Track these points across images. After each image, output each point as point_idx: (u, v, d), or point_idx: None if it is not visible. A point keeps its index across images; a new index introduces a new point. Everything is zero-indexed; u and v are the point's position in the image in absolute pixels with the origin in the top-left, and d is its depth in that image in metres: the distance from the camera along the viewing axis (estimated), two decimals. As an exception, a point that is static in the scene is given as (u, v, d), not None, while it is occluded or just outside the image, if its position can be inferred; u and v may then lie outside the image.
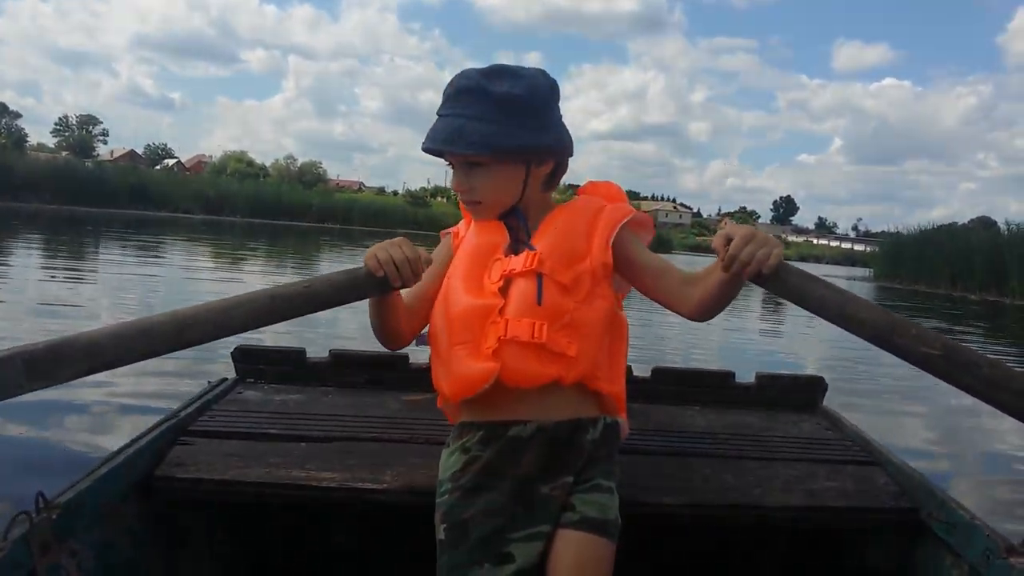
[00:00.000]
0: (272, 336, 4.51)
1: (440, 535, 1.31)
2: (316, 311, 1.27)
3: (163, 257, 14.85)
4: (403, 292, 1.36)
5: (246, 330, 1.21)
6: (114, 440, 2.37)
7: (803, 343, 8.80)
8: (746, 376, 2.18)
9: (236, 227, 34.95)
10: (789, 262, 1.20)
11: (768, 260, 1.16)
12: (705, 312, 1.37)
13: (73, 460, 2.82)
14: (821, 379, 2.14)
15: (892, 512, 1.56)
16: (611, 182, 1.54)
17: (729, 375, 2.14)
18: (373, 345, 1.72)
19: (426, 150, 1.36)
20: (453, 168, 1.39)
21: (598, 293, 1.36)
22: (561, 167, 1.44)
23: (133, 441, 1.53)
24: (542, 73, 1.39)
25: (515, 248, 1.39)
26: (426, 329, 1.43)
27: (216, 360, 3.29)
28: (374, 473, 1.54)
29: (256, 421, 1.76)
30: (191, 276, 11.63)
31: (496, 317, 1.31)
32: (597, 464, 1.33)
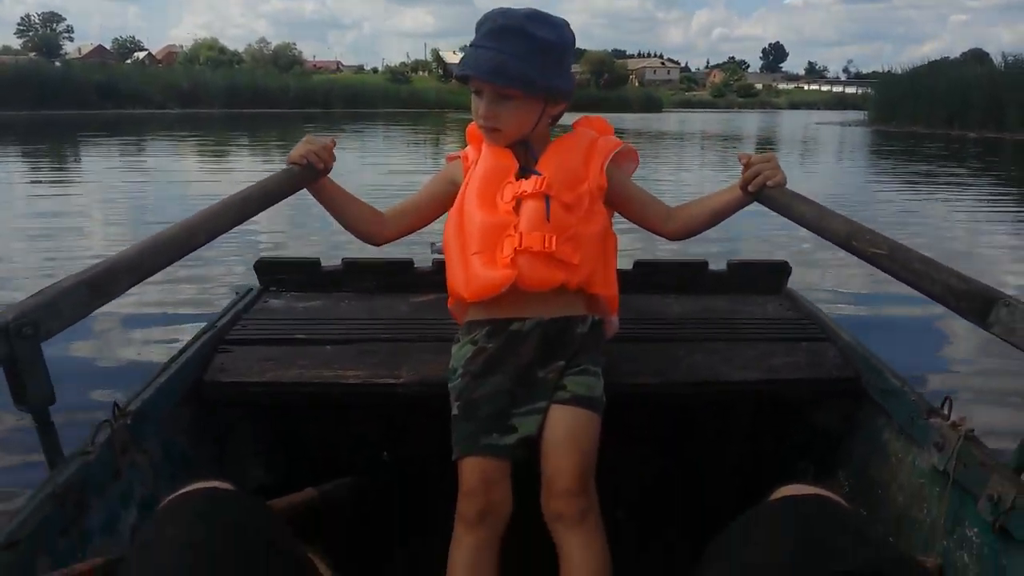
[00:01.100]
0: (294, 246, 4.91)
1: (454, 411, 1.54)
2: (273, 204, 1.64)
3: (145, 163, 14.67)
4: (399, 205, 1.79)
5: (231, 227, 1.55)
6: (166, 347, 2.62)
7: (775, 229, 9.00)
8: (720, 263, 2.38)
9: (214, 120, 34.25)
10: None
11: (777, 176, 1.59)
12: (685, 230, 1.74)
13: (134, 368, 3.11)
14: (785, 263, 2.34)
15: (837, 382, 1.80)
16: (600, 117, 1.79)
17: (703, 264, 2.34)
18: (382, 252, 1.93)
19: (459, 77, 1.57)
20: (481, 96, 1.58)
21: (595, 211, 1.63)
22: (565, 107, 1.67)
23: (181, 351, 1.76)
24: (567, 25, 1.62)
25: (523, 173, 1.61)
26: (439, 243, 1.71)
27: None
28: (391, 369, 1.77)
29: (283, 328, 1.99)
30: (179, 180, 11.59)
31: (511, 231, 1.55)
32: (585, 352, 1.57)
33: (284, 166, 1.68)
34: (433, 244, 1.71)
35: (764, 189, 1.59)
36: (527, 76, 1.52)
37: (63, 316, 1.22)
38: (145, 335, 3.41)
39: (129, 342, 3.42)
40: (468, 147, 1.74)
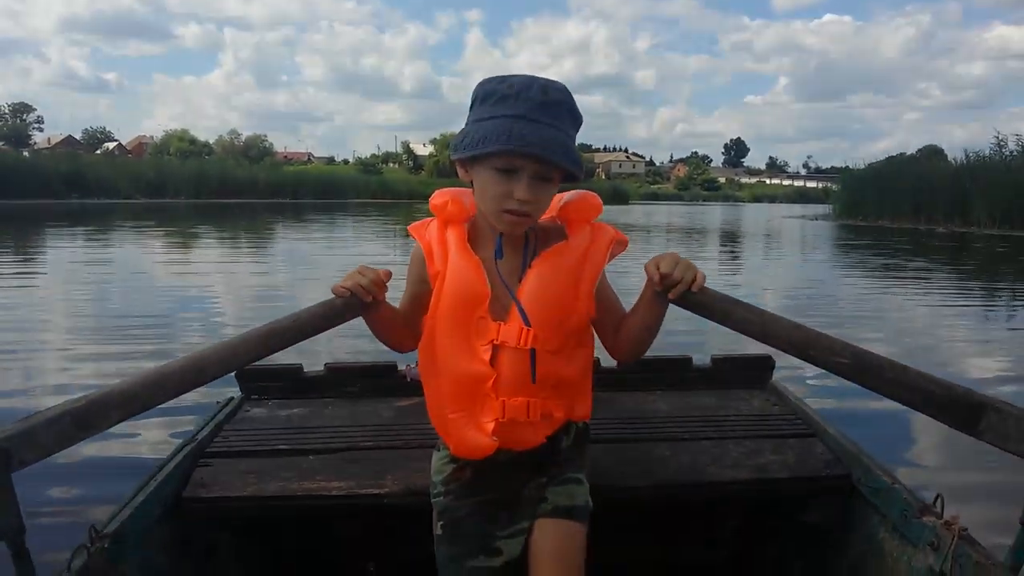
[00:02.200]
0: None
1: (437, 530, 1.51)
2: (304, 340, 1.46)
3: (109, 253, 14.61)
4: (409, 308, 1.54)
5: (249, 364, 1.45)
6: (146, 458, 2.54)
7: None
8: (703, 358, 2.43)
9: (180, 209, 34.30)
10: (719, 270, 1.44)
11: (695, 280, 1.35)
12: (624, 350, 1.53)
13: (111, 480, 3.00)
14: (769, 357, 2.39)
15: (827, 479, 1.82)
16: (591, 194, 1.54)
17: (687, 360, 2.39)
18: (365, 356, 1.91)
19: (513, 152, 1.31)
20: (514, 176, 1.34)
21: (581, 342, 1.51)
22: None
23: (161, 467, 1.74)
24: None
25: (503, 299, 1.42)
26: (415, 367, 1.57)
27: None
28: (375, 479, 1.76)
29: (265, 438, 1.97)
30: (140, 271, 11.51)
31: (489, 391, 1.42)
32: (568, 461, 1.55)
33: (325, 296, 1.50)
34: (408, 367, 1.64)
35: (689, 296, 1.36)
36: (578, 159, 1.36)
37: (42, 447, 1.19)
38: (125, 446, 3.34)
39: (109, 453, 3.34)
40: (431, 228, 1.51)
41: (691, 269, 1.36)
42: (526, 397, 1.43)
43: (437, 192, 1.50)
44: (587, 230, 1.48)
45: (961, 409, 1.24)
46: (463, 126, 1.41)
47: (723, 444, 1.95)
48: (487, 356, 1.41)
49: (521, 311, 1.41)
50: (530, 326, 1.40)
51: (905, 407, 1.31)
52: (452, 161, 1.43)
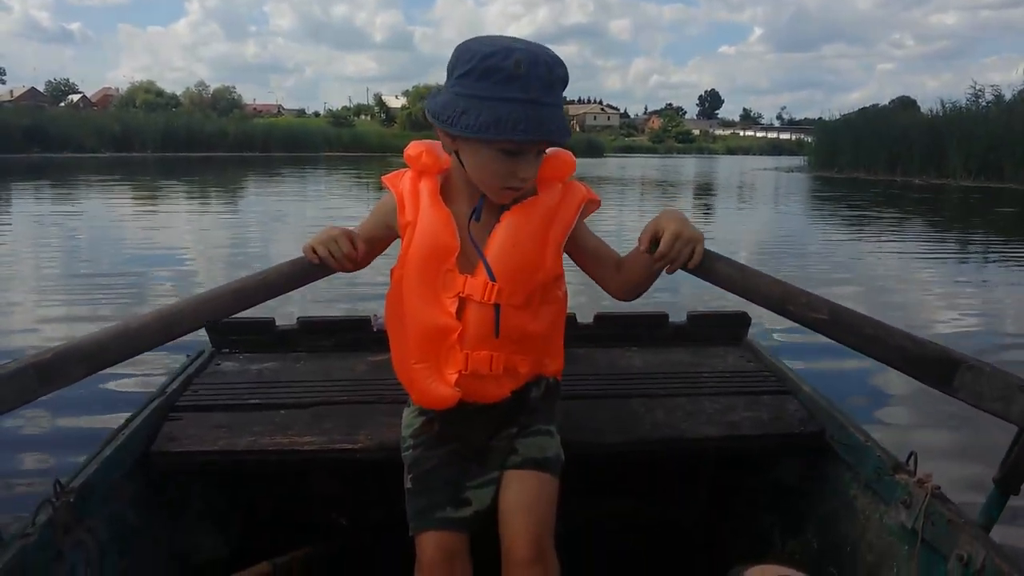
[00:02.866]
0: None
1: (408, 484, 1.52)
2: (272, 298, 1.51)
3: (75, 208, 14.35)
4: (362, 232, 1.55)
5: (219, 319, 1.49)
6: (110, 414, 2.53)
7: (737, 256, 9.10)
8: (679, 315, 2.43)
9: (147, 163, 33.72)
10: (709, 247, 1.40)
11: (693, 257, 1.36)
12: (629, 294, 1.56)
13: (76, 438, 3.00)
14: (744, 314, 2.39)
15: (800, 436, 1.83)
16: (565, 152, 1.51)
17: (663, 317, 2.39)
18: (338, 310, 1.90)
19: (530, 140, 1.32)
20: (520, 157, 1.35)
21: (548, 299, 1.50)
22: None
23: (128, 420, 1.72)
24: None
25: (469, 254, 1.43)
26: (382, 317, 1.61)
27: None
28: (348, 434, 1.76)
29: (236, 392, 1.95)
30: (107, 226, 11.33)
31: (454, 343, 1.43)
32: (537, 413, 1.56)
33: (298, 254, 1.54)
34: (375, 316, 1.65)
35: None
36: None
37: (3, 401, 1.18)
38: (92, 400, 3.30)
39: (74, 409, 3.31)
40: (405, 179, 1.50)
41: (690, 243, 1.36)
42: (489, 351, 1.45)
43: (412, 143, 1.49)
44: (558, 188, 1.48)
45: (936, 366, 1.26)
46: (445, 86, 1.37)
47: (698, 400, 1.96)
48: (453, 309, 1.43)
49: (487, 266, 1.42)
50: (495, 281, 1.41)
51: (881, 367, 1.32)
52: (428, 120, 1.39)
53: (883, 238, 10.99)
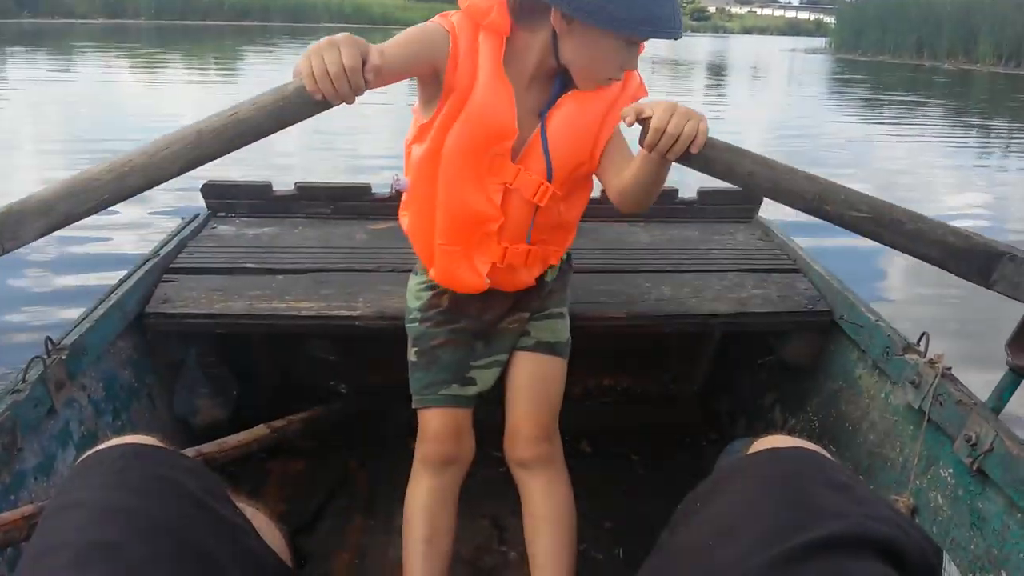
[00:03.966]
0: (243, 167, 4.52)
1: (412, 357, 1.50)
2: (248, 142, 1.15)
3: (70, 74, 14.06)
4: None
5: (182, 171, 1.16)
6: (105, 276, 2.54)
7: (747, 139, 8.97)
8: (689, 190, 2.38)
9: (140, 31, 32.87)
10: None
11: (696, 136, 1.14)
12: (626, 202, 1.36)
13: (68, 297, 3.00)
14: None
15: (809, 315, 1.81)
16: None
17: (673, 192, 2.34)
18: (337, 176, 1.85)
19: (652, 35, 1.24)
20: (635, 50, 1.29)
21: (584, 186, 1.45)
22: None
23: (122, 281, 1.71)
24: None
25: (526, 134, 1.32)
26: (404, 180, 1.40)
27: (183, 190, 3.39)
28: (347, 301, 1.74)
29: (232, 256, 1.93)
30: (106, 94, 11.14)
31: (492, 233, 1.37)
32: (552, 295, 1.53)
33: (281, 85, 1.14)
34: (397, 179, 1.42)
35: (689, 155, 1.17)
36: None
37: None
38: (84, 263, 3.30)
39: (66, 270, 3.31)
40: (459, 21, 1.30)
41: (691, 120, 1.14)
42: (527, 245, 1.41)
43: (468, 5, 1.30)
44: (616, 87, 1.37)
45: (978, 260, 1.19)
46: None
47: (705, 277, 1.93)
48: (498, 198, 1.35)
49: (548, 163, 1.33)
50: (551, 181, 1.34)
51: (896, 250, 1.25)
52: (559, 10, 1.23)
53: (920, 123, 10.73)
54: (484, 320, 1.48)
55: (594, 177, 1.44)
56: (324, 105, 1.11)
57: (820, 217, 1.22)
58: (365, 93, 1.11)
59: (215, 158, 1.16)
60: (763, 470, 0.81)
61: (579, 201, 1.46)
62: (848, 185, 1.23)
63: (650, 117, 1.14)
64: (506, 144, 1.31)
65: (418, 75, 1.31)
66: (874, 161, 7.65)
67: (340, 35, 1.08)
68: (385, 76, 1.15)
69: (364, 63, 1.06)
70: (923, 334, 1.55)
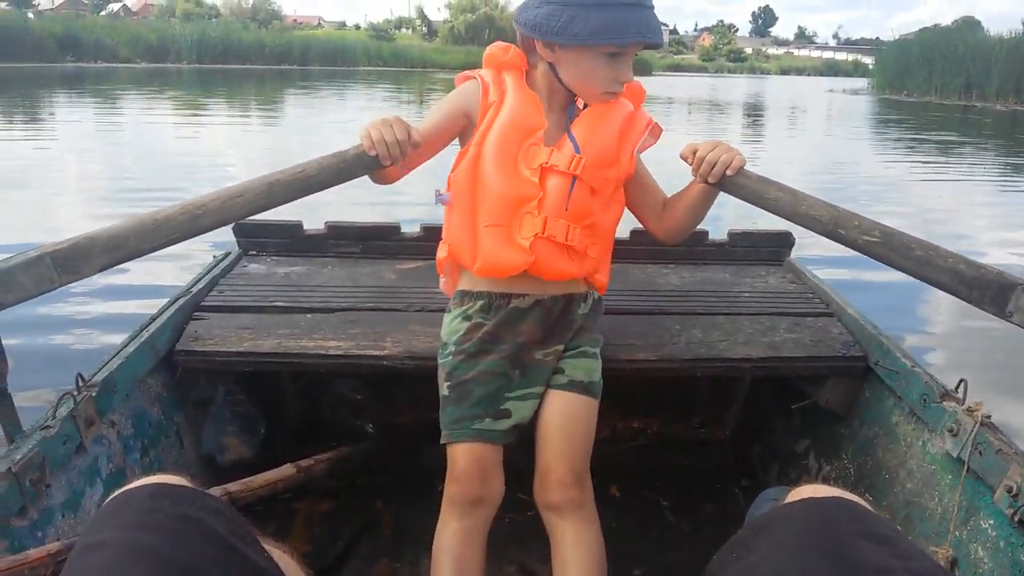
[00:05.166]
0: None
1: (444, 391, 1.52)
2: (311, 193, 1.40)
3: (114, 117, 14.46)
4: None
5: (248, 215, 1.39)
6: (137, 313, 2.61)
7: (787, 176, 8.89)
8: (720, 232, 2.38)
9: (182, 74, 33.77)
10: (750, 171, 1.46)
11: (733, 162, 1.43)
12: (672, 232, 1.67)
13: (100, 333, 3.07)
14: (789, 234, 2.34)
15: (843, 360, 1.80)
16: (637, 82, 1.58)
17: (703, 233, 2.34)
18: (367, 216, 1.88)
19: (629, 44, 1.42)
20: (619, 60, 1.45)
21: (616, 198, 1.58)
22: None
23: (153, 318, 1.75)
24: None
25: (554, 136, 1.51)
26: (446, 192, 1.55)
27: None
28: (376, 340, 1.76)
29: (263, 294, 1.97)
30: (148, 136, 11.43)
31: (534, 209, 1.48)
32: (584, 333, 1.57)
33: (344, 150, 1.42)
34: (439, 193, 1.54)
35: (725, 178, 1.45)
36: None
37: (20, 289, 1.19)
38: (116, 299, 3.37)
39: (98, 304, 3.38)
40: (485, 71, 1.58)
41: (730, 152, 1.44)
42: (566, 220, 1.49)
43: (495, 45, 1.58)
44: (629, 104, 1.58)
45: (990, 289, 1.24)
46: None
47: (736, 320, 1.93)
48: (535, 179, 1.49)
49: (573, 142, 1.49)
50: (579, 153, 1.48)
51: (929, 292, 1.30)
52: (523, 32, 1.48)
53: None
54: (518, 344, 1.50)
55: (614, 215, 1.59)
56: (376, 164, 1.40)
57: (835, 240, 1.38)
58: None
59: (277, 206, 1.39)
60: (801, 521, 0.80)
61: (612, 207, 1.57)
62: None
63: (698, 148, 1.45)
64: (538, 135, 1.49)
65: (455, 129, 1.57)
66: (923, 200, 7.55)
67: (392, 116, 1.41)
68: (427, 141, 1.48)
69: (408, 136, 1.39)
70: (961, 381, 1.53)
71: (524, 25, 1.46)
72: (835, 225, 1.36)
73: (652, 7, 1.42)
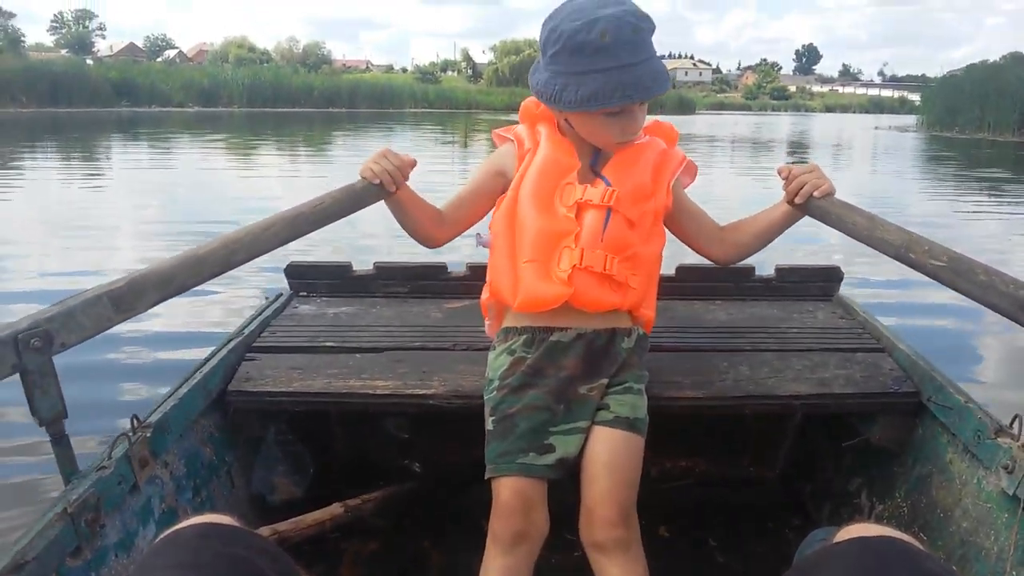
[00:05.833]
0: (325, 249, 4.90)
1: (489, 426, 1.53)
2: (329, 223, 1.56)
3: (167, 159, 14.85)
4: (450, 201, 1.70)
5: (277, 247, 1.50)
6: (192, 354, 2.68)
7: (825, 229, 8.78)
8: (766, 268, 2.36)
9: (233, 118, 34.60)
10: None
11: (823, 187, 1.56)
12: (740, 249, 1.73)
13: (154, 375, 3.14)
14: (837, 268, 2.33)
15: (895, 396, 1.77)
16: (670, 123, 1.71)
17: (750, 269, 2.33)
18: (414, 256, 1.92)
19: (633, 99, 1.45)
20: (628, 113, 1.50)
21: (656, 232, 1.62)
22: None
23: (207, 360, 1.79)
24: None
25: (587, 177, 1.58)
26: (487, 235, 1.66)
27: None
28: (422, 379, 1.78)
29: (312, 334, 2.01)
30: (201, 179, 11.72)
31: (571, 243, 1.52)
32: (629, 369, 1.57)
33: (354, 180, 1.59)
34: (479, 236, 1.66)
35: (812, 200, 1.56)
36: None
37: (81, 329, 1.23)
38: (171, 341, 3.44)
39: (154, 349, 3.46)
40: (519, 127, 1.69)
41: (822, 177, 1.57)
42: (604, 251, 1.52)
43: (529, 100, 1.65)
44: (661, 142, 1.66)
45: None
46: (543, 63, 1.52)
47: (785, 357, 1.91)
48: (572, 214, 1.54)
49: (605, 181, 1.55)
50: (611, 186, 1.54)
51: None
52: (535, 96, 1.57)
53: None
54: (561, 379, 1.51)
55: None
56: (382, 191, 1.57)
57: (905, 263, 1.44)
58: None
59: (303, 236, 1.53)
60: (852, 561, 0.80)
61: (653, 240, 1.61)
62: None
63: (793, 168, 1.59)
64: (572, 175, 1.56)
65: (494, 189, 1.67)
66: (974, 236, 7.40)
67: (383, 148, 1.61)
68: (468, 202, 1.69)
69: (401, 160, 1.59)
70: (1016, 416, 1.50)
71: (533, 90, 1.56)
72: (907, 249, 1.43)
73: (647, 58, 1.44)
